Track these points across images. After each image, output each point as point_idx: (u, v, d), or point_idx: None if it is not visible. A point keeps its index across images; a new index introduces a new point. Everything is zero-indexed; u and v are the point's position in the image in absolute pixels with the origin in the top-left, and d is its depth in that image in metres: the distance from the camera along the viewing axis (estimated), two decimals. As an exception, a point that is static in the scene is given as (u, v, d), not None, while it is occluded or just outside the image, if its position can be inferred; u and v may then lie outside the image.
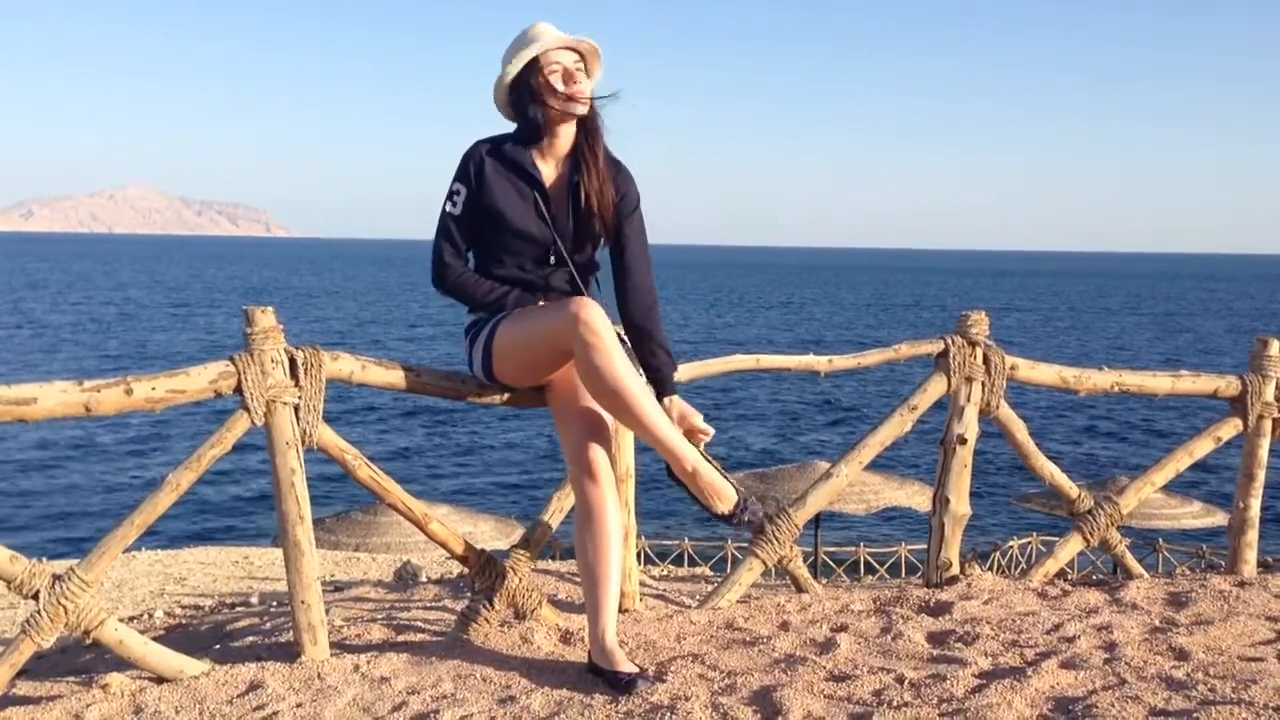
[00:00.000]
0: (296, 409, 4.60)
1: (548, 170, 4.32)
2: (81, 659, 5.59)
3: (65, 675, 5.06)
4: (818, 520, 15.46)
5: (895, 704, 3.84)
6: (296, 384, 4.59)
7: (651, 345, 4.34)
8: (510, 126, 4.44)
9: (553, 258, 4.33)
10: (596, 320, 3.94)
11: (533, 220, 4.28)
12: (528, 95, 4.15)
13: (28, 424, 4.16)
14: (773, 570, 5.97)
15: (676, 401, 4.33)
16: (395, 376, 4.71)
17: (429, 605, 6.39)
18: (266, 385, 4.56)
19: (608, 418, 4.25)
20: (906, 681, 4.08)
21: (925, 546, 5.99)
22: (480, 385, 4.61)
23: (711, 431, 4.33)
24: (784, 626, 4.99)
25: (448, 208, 4.30)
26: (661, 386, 4.32)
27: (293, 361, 4.61)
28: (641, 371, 4.22)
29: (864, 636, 4.71)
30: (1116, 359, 52.25)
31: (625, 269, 4.35)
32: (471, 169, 4.28)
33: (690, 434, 4.22)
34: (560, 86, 4.11)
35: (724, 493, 3.97)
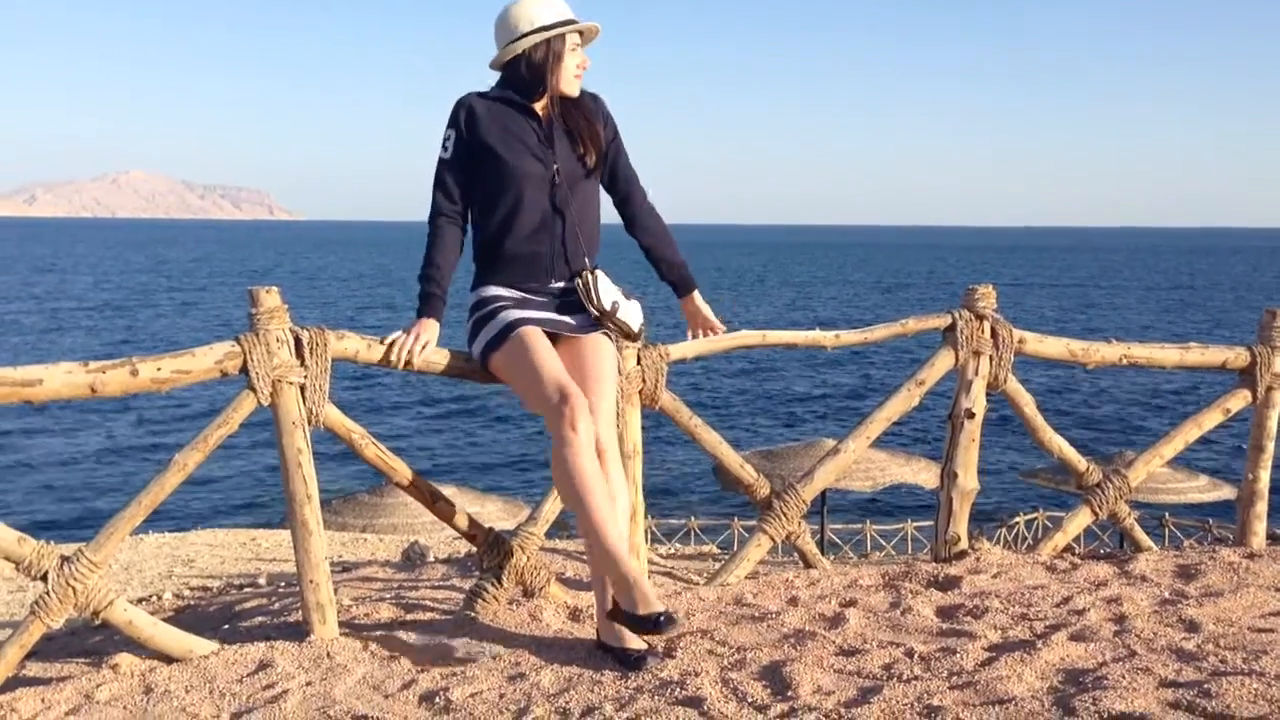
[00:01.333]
0: (303, 388, 4.59)
1: (539, 109, 4.49)
2: (91, 640, 5.60)
3: (75, 656, 5.07)
4: (824, 496, 15.47)
5: (905, 678, 3.84)
6: (302, 363, 4.58)
7: (673, 257, 4.81)
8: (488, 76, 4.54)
9: (556, 198, 4.43)
10: (581, 420, 4.11)
11: (529, 155, 4.41)
12: (545, 60, 4.31)
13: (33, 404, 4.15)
14: (780, 547, 5.96)
15: (697, 297, 4.91)
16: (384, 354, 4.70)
17: (437, 584, 6.40)
18: (272, 365, 4.55)
19: (604, 400, 4.35)
20: (916, 655, 4.07)
21: (933, 522, 5.98)
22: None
23: (722, 328, 4.93)
24: (793, 602, 4.98)
25: (440, 154, 4.43)
26: (686, 285, 4.89)
27: (298, 341, 4.60)
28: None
29: (873, 611, 4.70)
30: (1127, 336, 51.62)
31: (628, 195, 4.71)
32: (462, 115, 4.41)
33: (709, 328, 4.91)
34: (574, 65, 4.37)
35: (653, 604, 4.05)
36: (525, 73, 4.37)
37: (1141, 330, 56.76)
